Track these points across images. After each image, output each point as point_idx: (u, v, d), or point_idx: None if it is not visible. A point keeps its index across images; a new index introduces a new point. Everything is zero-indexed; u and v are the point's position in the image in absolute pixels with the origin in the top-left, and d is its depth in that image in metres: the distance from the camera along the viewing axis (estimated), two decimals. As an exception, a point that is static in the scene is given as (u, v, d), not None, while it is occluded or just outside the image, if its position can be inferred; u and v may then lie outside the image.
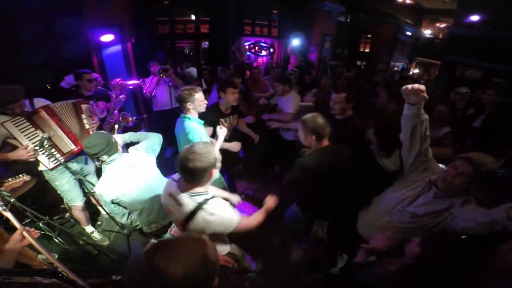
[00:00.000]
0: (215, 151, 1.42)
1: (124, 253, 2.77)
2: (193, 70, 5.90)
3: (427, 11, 10.38)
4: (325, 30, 7.91)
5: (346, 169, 1.93)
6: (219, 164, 1.46)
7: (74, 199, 2.61)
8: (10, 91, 2.06)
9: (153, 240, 2.91)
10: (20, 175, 1.98)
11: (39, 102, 2.32)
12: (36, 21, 3.26)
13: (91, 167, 2.73)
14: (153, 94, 3.94)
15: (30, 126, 2.06)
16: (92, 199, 2.90)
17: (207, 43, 6.98)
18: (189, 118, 2.32)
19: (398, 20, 9.43)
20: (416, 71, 10.94)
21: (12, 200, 1.73)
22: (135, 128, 3.22)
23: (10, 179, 1.94)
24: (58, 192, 2.58)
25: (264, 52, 7.99)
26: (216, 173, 1.45)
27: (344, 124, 2.49)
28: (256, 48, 7.79)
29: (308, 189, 2.02)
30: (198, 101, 2.30)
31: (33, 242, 1.39)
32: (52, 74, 3.41)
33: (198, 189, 1.45)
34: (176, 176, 1.58)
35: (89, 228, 2.93)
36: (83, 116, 2.44)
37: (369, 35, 9.60)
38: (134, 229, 2.75)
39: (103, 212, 3.17)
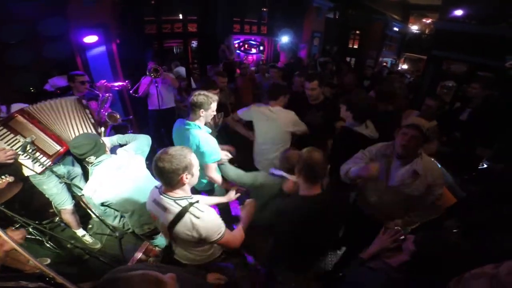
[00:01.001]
0: (189, 159, 1.38)
1: (116, 256, 2.73)
2: (181, 70, 5.83)
3: (414, 7, 10.55)
4: (314, 27, 7.94)
5: (325, 227, 1.63)
6: (196, 172, 1.44)
7: (63, 202, 2.56)
8: None
9: (146, 243, 2.91)
10: (3, 176, 1.92)
11: (18, 107, 2.24)
12: (18, 22, 3.16)
13: (78, 169, 2.67)
14: (146, 93, 3.90)
15: (9, 132, 1.99)
16: (81, 202, 2.87)
17: (196, 42, 6.94)
18: (199, 127, 2.13)
19: (386, 16, 9.54)
20: (405, 66, 11.11)
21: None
22: (122, 129, 3.18)
23: None
24: (47, 196, 2.52)
25: (254, 50, 7.99)
26: (190, 180, 1.41)
27: (319, 107, 2.84)
28: (246, 46, 7.78)
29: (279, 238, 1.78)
30: (211, 110, 2.14)
31: (15, 246, 1.34)
32: (35, 77, 3.32)
33: (179, 193, 1.43)
34: (159, 184, 1.55)
35: (80, 232, 2.88)
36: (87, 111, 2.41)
37: (357, 32, 9.68)
38: (125, 232, 2.70)
39: (93, 215, 3.12)
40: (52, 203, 2.73)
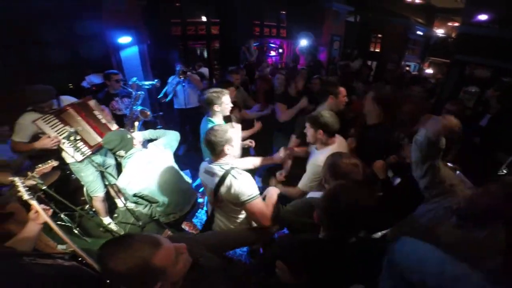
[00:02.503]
0: (229, 135, 1.68)
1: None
2: (205, 71, 6.07)
3: (439, 10, 10.24)
4: (333, 30, 7.93)
5: None
6: (236, 145, 1.75)
7: (96, 190, 2.78)
8: (43, 92, 2.27)
9: (167, 231, 3.09)
10: (49, 161, 2.15)
11: (66, 99, 2.53)
12: (58, 23, 3.47)
13: (112, 160, 2.91)
14: (173, 94, 4.17)
15: (59, 122, 2.26)
16: (111, 190, 3.08)
17: (217, 44, 7.18)
18: (213, 122, 2.34)
19: (408, 20, 9.35)
20: (429, 70, 10.80)
21: (43, 187, 1.89)
22: (152, 125, 3.41)
23: (40, 165, 2.10)
24: (82, 183, 2.76)
25: (273, 53, 8.12)
26: (230, 150, 1.71)
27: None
28: (265, 49, 7.92)
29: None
30: (225, 104, 2.35)
31: (48, 220, 1.50)
32: (73, 74, 3.62)
33: (223, 160, 1.72)
34: (207, 158, 1.89)
35: (106, 220, 3.08)
36: (96, 112, 2.60)
37: (379, 35, 9.54)
38: (148, 222, 2.99)
39: (119, 204, 3.35)
40: (85, 190, 2.99)
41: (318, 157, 1.96)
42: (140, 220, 2.92)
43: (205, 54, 7.38)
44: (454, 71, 4.96)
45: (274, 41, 8.08)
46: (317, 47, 7.69)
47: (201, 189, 3.18)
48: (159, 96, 4.00)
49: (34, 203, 1.58)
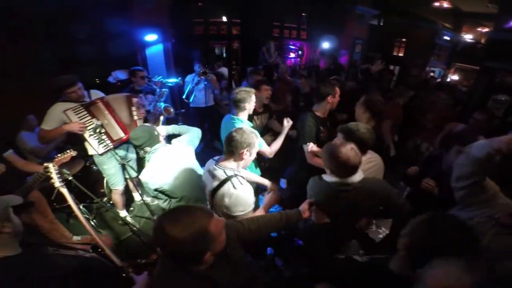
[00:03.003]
0: (255, 140, 1.64)
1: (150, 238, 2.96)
2: (224, 70, 6.14)
3: (468, 14, 9.80)
4: (356, 33, 7.78)
5: None
6: (253, 154, 1.67)
7: (116, 183, 2.87)
8: (66, 77, 2.38)
9: None
10: (68, 151, 2.21)
11: (95, 93, 2.64)
12: (88, 21, 3.63)
13: (133, 154, 2.99)
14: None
15: (87, 114, 2.36)
16: (130, 184, 3.16)
17: (236, 44, 7.24)
18: (241, 121, 2.37)
19: (435, 24, 9.01)
20: (455, 77, 10.36)
21: (70, 177, 1.96)
22: (173, 122, 3.49)
23: (59, 155, 2.18)
24: (104, 175, 2.85)
25: (292, 55, 8.07)
26: (246, 157, 1.64)
27: None
28: (285, 50, 7.90)
29: None
30: (253, 103, 2.38)
31: (86, 225, 1.55)
32: (100, 69, 3.76)
33: (231, 165, 1.65)
34: (216, 157, 1.81)
35: (123, 213, 3.15)
36: (133, 108, 2.71)
37: (403, 39, 9.26)
38: None
39: (136, 198, 3.45)
40: (106, 183, 3.09)
41: None
42: (155, 214, 2.93)
43: (224, 54, 7.47)
44: (483, 78, 4.73)
45: (294, 43, 8.04)
46: (338, 50, 7.57)
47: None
48: (183, 96, 4.08)
49: (64, 191, 1.65)
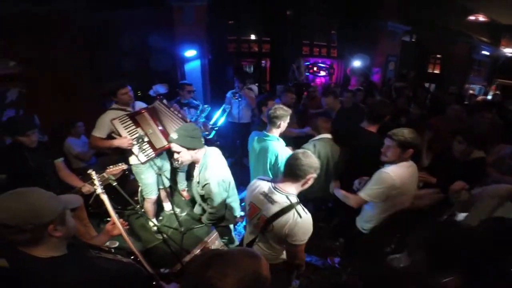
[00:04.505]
0: (318, 163, 1.55)
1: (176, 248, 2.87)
2: (254, 87, 6.20)
3: (506, 28, 9.29)
4: (389, 51, 7.62)
5: None
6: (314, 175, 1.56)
7: (151, 192, 2.88)
8: (117, 82, 2.52)
9: (204, 241, 3.07)
10: (119, 164, 2.28)
11: (139, 105, 2.73)
12: (133, 34, 3.87)
13: (168, 165, 3.02)
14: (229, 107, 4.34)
15: (132, 124, 2.43)
16: (162, 194, 3.20)
17: (264, 62, 7.37)
18: (277, 139, 2.32)
19: (471, 39, 8.61)
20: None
21: (114, 183, 1.97)
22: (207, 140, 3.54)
23: (111, 166, 2.23)
24: (140, 184, 2.89)
25: (322, 73, 8.02)
26: (311, 182, 1.56)
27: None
28: (315, 68, 7.88)
29: None
30: (287, 121, 2.33)
31: (122, 232, 1.52)
32: (142, 82, 3.94)
33: (291, 189, 1.55)
34: (266, 177, 1.74)
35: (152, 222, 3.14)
36: (172, 109, 2.74)
37: (438, 55, 8.92)
38: (189, 228, 3.17)
39: (166, 208, 3.50)
40: (141, 191, 3.11)
41: (393, 169, 1.87)
42: (182, 226, 3.01)
43: (252, 71, 7.62)
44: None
45: (324, 61, 8.02)
46: (371, 68, 7.42)
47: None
48: (210, 122, 4.16)
49: (105, 198, 1.64)
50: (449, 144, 2.37)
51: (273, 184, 1.60)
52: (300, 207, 1.49)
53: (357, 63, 7.04)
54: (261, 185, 1.65)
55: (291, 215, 1.46)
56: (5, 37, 2.94)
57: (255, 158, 2.48)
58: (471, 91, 8.16)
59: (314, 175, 1.53)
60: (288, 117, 2.30)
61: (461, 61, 8.57)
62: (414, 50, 8.48)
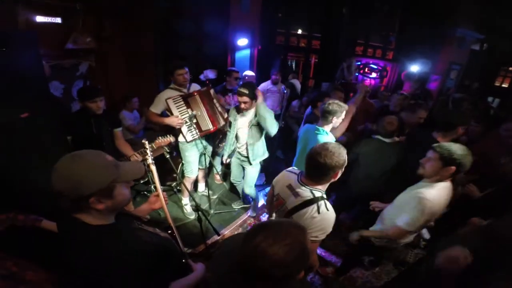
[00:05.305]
0: (346, 157, 1.44)
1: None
2: (296, 82, 6.09)
3: None
4: (453, 58, 6.90)
5: None
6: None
7: (191, 171, 3.02)
8: (178, 61, 2.66)
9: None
10: (167, 135, 2.37)
11: (194, 86, 2.86)
12: (190, 20, 4.02)
13: (210, 148, 3.15)
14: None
15: (184, 105, 2.56)
16: (200, 174, 3.33)
17: (314, 58, 7.16)
18: (327, 133, 2.29)
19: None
20: None
21: (168, 156, 2.11)
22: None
23: (160, 137, 2.34)
24: (183, 162, 3.03)
25: (374, 74, 7.59)
26: (339, 175, 1.48)
27: None
28: (366, 69, 7.47)
29: None
30: (341, 118, 2.30)
31: (164, 206, 1.52)
32: (195, 66, 4.10)
33: (319, 187, 1.48)
34: (295, 169, 1.68)
35: (185, 200, 3.26)
36: (215, 101, 2.84)
37: (511, 68, 7.88)
38: (218, 212, 3.30)
39: (199, 189, 3.64)
40: (182, 169, 3.26)
41: (429, 191, 1.70)
42: (212, 208, 3.18)
43: (294, 66, 7.48)
44: None
45: (377, 62, 7.57)
46: (429, 75, 6.83)
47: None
48: None
49: (154, 168, 1.68)
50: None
51: (300, 177, 1.55)
52: (322, 203, 1.41)
53: (414, 68, 6.53)
54: (288, 177, 1.63)
55: (310, 209, 1.41)
56: (85, 15, 3.24)
57: (301, 150, 2.50)
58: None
59: (340, 171, 1.45)
60: (343, 113, 2.26)
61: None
62: (483, 60, 7.58)
